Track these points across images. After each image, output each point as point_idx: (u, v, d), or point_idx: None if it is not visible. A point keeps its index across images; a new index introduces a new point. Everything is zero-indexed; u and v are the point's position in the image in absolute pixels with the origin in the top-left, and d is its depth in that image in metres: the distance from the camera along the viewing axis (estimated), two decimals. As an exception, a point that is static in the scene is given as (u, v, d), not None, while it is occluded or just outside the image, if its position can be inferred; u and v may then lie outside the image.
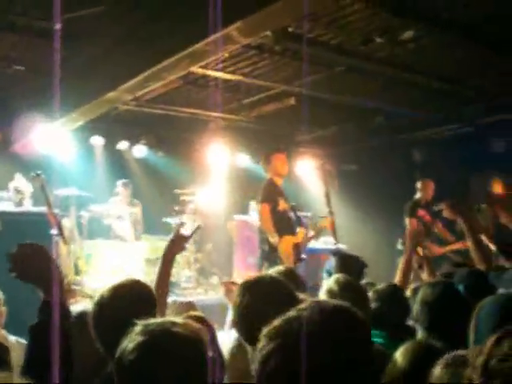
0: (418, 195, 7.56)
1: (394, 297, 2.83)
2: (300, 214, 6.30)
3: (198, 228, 4.20)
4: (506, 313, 1.82)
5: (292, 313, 1.16)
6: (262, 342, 1.15)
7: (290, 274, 3.06)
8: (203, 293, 8.19)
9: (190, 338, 1.48)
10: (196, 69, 6.06)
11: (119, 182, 8.95)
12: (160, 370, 1.44)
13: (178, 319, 1.60)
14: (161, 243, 8.42)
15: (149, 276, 8.04)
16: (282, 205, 6.07)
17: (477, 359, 1.11)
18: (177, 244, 2.99)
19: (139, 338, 1.49)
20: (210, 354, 1.46)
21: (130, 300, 2.18)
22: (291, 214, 6.15)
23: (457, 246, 6.99)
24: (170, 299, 7.47)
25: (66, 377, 1.77)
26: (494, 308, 1.86)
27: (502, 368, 1.04)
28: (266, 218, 5.90)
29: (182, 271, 8.32)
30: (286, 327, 1.14)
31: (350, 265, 3.62)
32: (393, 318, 2.75)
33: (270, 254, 5.85)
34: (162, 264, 2.94)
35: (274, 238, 5.81)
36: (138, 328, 1.54)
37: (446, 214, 4.95)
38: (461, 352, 1.52)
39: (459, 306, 2.34)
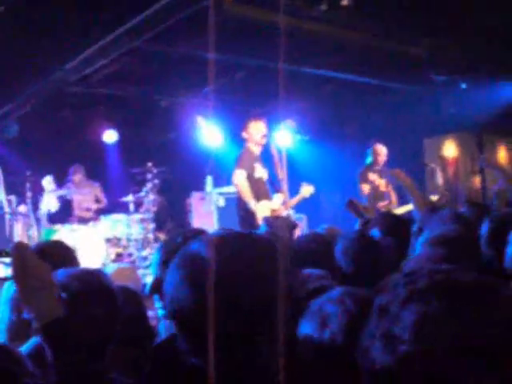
0: (369, 160, 7.63)
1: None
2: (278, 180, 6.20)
3: None
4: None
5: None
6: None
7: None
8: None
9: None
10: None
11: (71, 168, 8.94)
12: None
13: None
14: (119, 222, 8.39)
15: (110, 255, 8.01)
16: (259, 171, 6.06)
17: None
18: None
19: None
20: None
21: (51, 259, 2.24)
22: (268, 181, 6.14)
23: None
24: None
25: None
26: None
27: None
28: (242, 184, 5.85)
29: (142, 251, 8.26)
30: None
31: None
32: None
33: (248, 220, 5.79)
34: None
35: (251, 203, 5.77)
36: None
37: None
38: None
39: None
